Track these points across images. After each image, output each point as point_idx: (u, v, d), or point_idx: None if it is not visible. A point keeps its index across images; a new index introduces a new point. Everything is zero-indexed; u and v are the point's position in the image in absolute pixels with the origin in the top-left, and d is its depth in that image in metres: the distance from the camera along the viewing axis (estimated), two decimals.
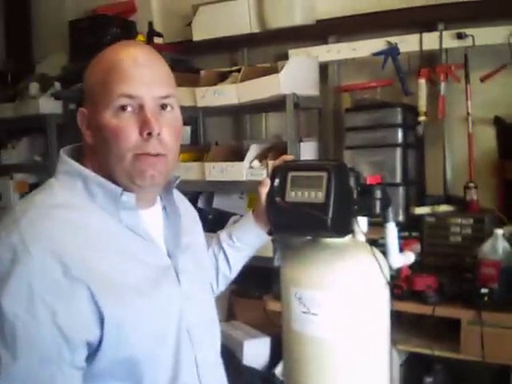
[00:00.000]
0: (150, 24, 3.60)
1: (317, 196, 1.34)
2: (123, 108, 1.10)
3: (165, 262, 1.19)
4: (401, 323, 2.40)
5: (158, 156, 1.13)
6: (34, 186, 3.87)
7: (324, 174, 1.34)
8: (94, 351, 1.05)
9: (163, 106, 1.15)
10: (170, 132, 1.14)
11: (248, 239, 1.51)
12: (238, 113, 3.49)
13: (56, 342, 1.00)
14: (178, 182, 1.31)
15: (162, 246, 1.21)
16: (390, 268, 1.48)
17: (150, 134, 1.10)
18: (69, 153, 1.19)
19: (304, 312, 1.39)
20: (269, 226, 1.49)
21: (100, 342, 1.04)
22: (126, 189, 1.14)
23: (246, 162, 2.95)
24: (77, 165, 1.15)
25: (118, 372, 1.08)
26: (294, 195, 1.39)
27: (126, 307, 1.07)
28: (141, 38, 3.60)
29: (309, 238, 1.52)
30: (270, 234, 1.52)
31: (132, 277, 1.10)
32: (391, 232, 1.50)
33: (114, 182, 1.13)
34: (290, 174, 1.42)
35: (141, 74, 1.11)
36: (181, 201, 1.38)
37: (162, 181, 1.18)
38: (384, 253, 1.50)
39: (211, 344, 1.29)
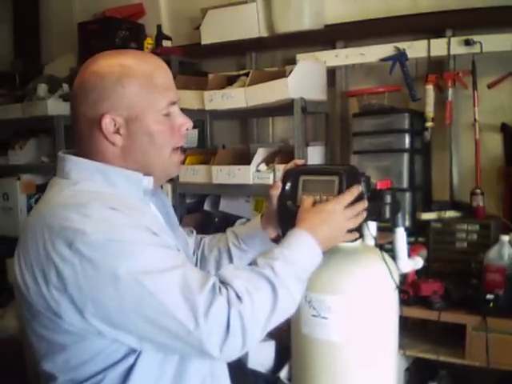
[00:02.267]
0: (159, 27, 3.62)
1: (328, 200, 1.34)
2: (169, 114, 1.27)
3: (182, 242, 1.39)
4: (406, 328, 2.41)
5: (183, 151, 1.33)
6: (40, 187, 3.89)
7: (335, 179, 1.35)
8: None
9: None
10: None
11: (253, 243, 1.53)
12: (245, 116, 3.50)
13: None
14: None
15: None
16: (399, 273, 1.49)
17: (187, 129, 1.31)
18: (75, 156, 1.27)
19: (314, 315, 1.40)
20: (277, 231, 1.50)
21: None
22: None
23: (252, 166, 2.96)
24: (90, 161, 1.24)
25: None
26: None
27: None
28: (149, 40, 3.62)
29: None
30: (275, 241, 1.52)
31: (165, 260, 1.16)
32: (400, 237, 1.50)
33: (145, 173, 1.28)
34: (302, 178, 1.42)
35: (173, 81, 1.30)
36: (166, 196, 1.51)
37: None
38: (392, 258, 1.51)
39: None
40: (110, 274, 1.06)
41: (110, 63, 1.24)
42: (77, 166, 1.25)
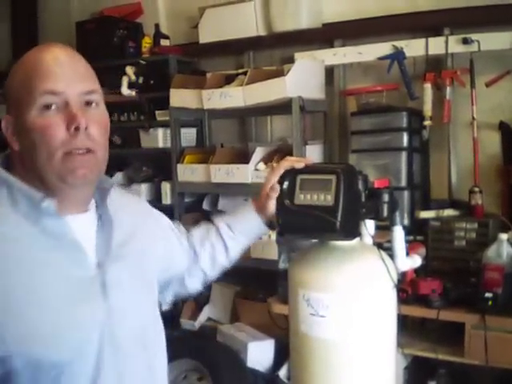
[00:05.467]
0: (157, 26, 3.63)
1: (326, 199, 1.34)
2: (48, 106, 1.08)
3: (90, 273, 1.13)
4: (405, 327, 2.41)
5: (88, 153, 1.11)
6: None
7: (333, 177, 1.35)
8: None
9: (88, 103, 1.12)
10: (97, 127, 1.12)
11: (249, 232, 1.50)
12: (243, 115, 3.50)
13: None
14: (112, 189, 1.25)
15: (91, 255, 1.15)
16: (397, 271, 1.49)
17: (77, 128, 1.08)
18: (1, 161, 1.16)
19: (312, 314, 1.39)
20: (269, 216, 1.47)
21: (6, 359, 1.03)
22: (55, 192, 1.11)
23: (251, 165, 2.96)
24: (2, 172, 1.12)
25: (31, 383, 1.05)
26: (302, 198, 1.39)
27: (31, 327, 1.04)
28: (147, 39, 3.62)
29: (316, 240, 1.53)
30: (269, 226, 1.50)
31: (43, 291, 1.06)
32: (398, 235, 1.50)
33: (45, 186, 1.11)
34: (299, 177, 1.42)
35: (62, 71, 1.10)
36: (125, 204, 1.33)
37: (93, 179, 1.15)
38: (390, 256, 1.51)
39: (143, 359, 1.22)
40: None
41: None
42: None
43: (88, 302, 1.11)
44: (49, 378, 1.06)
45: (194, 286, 1.53)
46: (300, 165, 1.44)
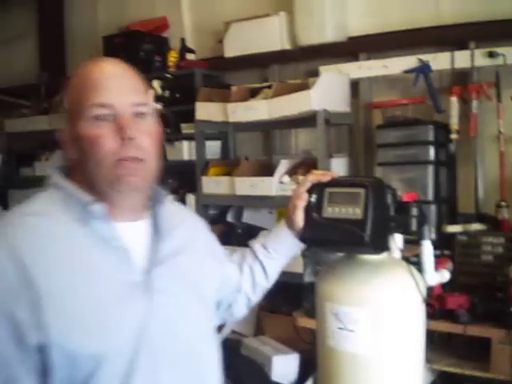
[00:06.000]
0: (183, 40, 3.67)
1: (354, 212, 1.34)
2: (99, 117, 1.14)
3: (135, 278, 1.17)
4: (431, 342, 2.38)
5: (136, 161, 1.16)
6: None
7: (362, 191, 1.35)
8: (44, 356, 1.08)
9: (138, 114, 1.18)
10: (146, 137, 1.17)
11: (284, 249, 1.51)
12: (268, 128, 3.51)
13: (5, 339, 1.06)
14: (165, 200, 1.29)
15: (139, 261, 1.19)
16: (426, 286, 1.48)
17: (125, 138, 1.14)
18: (59, 168, 1.23)
19: (340, 328, 1.39)
20: (298, 230, 1.47)
21: (45, 348, 1.07)
22: (107, 198, 1.17)
23: (275, 177, 2.97)
24: (57, 177, 1.20)
25: (67, 376, 1.09)
26: (331, 211, 1.40)
27: (73, 319, 1.09)
28: (173, 54, 3.66)
29: (343, 253, 1.53)
30: (303, 240, 1.50)
31: (87, 288, 1.11)
32: (427, 250, 1.49)
33: (96, 192, 1.16)
34: (327, 190, 1.43)
35: (112, 84, 1.16)
36: (181, 219, 1.37)
37: (142, 186, 1.20)
38: (417, 270, 1.50)
39: (188, 372, 1.23)
40: None
41: None
42: (50, 181, 1.22)
43: (127, 304, 1.15)
44: (83, 374, 1.09)
45: (240, 311, 1.55)
46: (326, 178, 1.45)
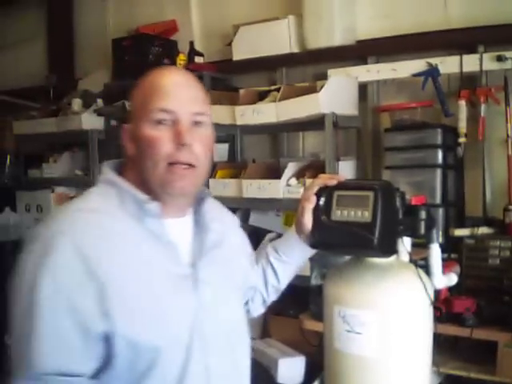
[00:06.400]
0: (191, 43, 3.68)
1: (363, 215, 1.35)
2: (160, 121, 1.23)
3: (184, 270, 1.28)
4: (438, 345, 2.38)
5: (189, 168, 1.25)
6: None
7: (371, 194, 1.36)
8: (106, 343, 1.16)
9: (196, 123, 1.27)
10: (201, 145, 1.27)
11: (294, 253, 1.54)
12: (275, 131, 3.52)
13: (70, 328, 1.14)
14: (208, 197, 1.40)
15: (186, 255, 1.30)
16: (434, 289, 1.49)
17: (182, 144, 1.23)
18: (111, 165, 1.33)
19: (347, 330, 1.40)
20: (307, 233, 1.50)
21: (110, 337, 1.15)
22: (157, 197, 1.25)
23: (283, 180, 2.97)
24: (112, 175, 1.30)
25: (127, 364, 1.18)
26: (339, 214, 1.40)
27: (135, 310, 1.18)
28: (182, 57, 3.67)
29: (352, 256, 1.53)
30: (312, 246, 1.53)
31: (146, 281, 1.21)
32: (435, 253, 1.50)
33: (148, 191, 1.25)
34: (336, 193, 1.43)
35: (176, 92, 1.26)
36: (218, 215, 1.47)
37: (190, 191, 1.29)
38: (425, 274, 1.51)
39: (229, 354, 1.34)
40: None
41: None
42: (104, 178, 1.31)
43: (181, 296, 1.25)
44: (144, 363, 1.18)
45: (256, 308, 1.64)
46: (332, 182, 1.47)
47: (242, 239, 1.57)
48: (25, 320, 1.14)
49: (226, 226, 1.48)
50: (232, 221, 1.58)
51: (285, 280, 1.59)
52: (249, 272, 1.54)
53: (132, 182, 1.28)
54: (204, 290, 1.28)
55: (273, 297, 1.63)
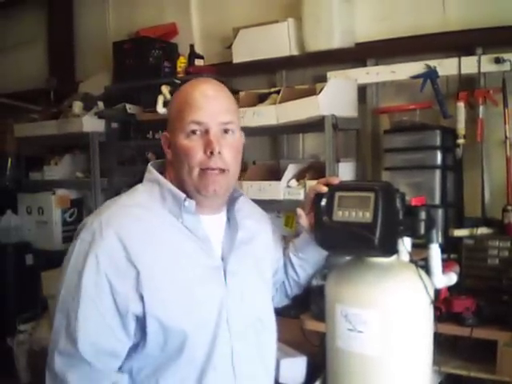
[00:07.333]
0: (192, 46, 3.70)
1: (364, 216, 1.37)
2: (193, 132, 1.38)
3: (215, 262, 1.42)
4: (438, 344, 2.40)
5: (220, 172, 1.39)
6: (75, 202, 3.99)
7: (371, 195, 1.38)
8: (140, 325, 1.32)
9: (226, 131, 1.41)
10: (230, 151, 1.41)
11: (307, 251, 1.64)
12: (275, 133, 3.53)
13: (109, 308, 1.30)
14: (241, 197, 1.54)
15: (217, 249, 1.44)
16: (434, 288, 1.50)
17: (211, 152, 1.36)
18: (155, 165, 1.49)
19: (349, 329, 1.42)
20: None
21: (144, 318, 1.31)
22: (192, 197, 1.40)
23: (283, 182, 2.99)
24: (157, 174, 1.45)
25: (159, 345, 1.33)
26: (341, 215, 1.43)
27: (167, 296, 1.33)
28: (182, 59, 3.69)
29: (353, 256, 1.55)
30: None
31: (179, 270, 1.36)
32: (435, 253, 1.52)
33: (184, 190, 1.40)
34: (337, 194, 1.46)
35: (207, 105, 1.39)
36: (250, 213, 1.59)
37: (222, 194, 1.43)
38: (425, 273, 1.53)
39: (254, 341, 1.47)
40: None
41: None
42: (149, 176, 1.46)
43: (211, 286, 1.40)
44: (175, 344, 1.33)
45: (280, 300, 1.78)
46: (322, 188, 1.53)
47: (272, 235, 1.68)
48: (70, 299, 1.30)
49: (258, 224, 1.61)
50: (263, 218, 1.69)
51: (304, 275, 1.69)
52: (276, 266, 1.67)
53: (172, 181, 1.43)
54: (232, 280, 1.42)
55: (295, 290, 1.75)
